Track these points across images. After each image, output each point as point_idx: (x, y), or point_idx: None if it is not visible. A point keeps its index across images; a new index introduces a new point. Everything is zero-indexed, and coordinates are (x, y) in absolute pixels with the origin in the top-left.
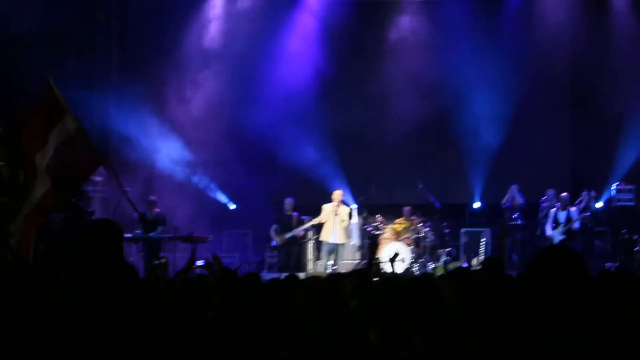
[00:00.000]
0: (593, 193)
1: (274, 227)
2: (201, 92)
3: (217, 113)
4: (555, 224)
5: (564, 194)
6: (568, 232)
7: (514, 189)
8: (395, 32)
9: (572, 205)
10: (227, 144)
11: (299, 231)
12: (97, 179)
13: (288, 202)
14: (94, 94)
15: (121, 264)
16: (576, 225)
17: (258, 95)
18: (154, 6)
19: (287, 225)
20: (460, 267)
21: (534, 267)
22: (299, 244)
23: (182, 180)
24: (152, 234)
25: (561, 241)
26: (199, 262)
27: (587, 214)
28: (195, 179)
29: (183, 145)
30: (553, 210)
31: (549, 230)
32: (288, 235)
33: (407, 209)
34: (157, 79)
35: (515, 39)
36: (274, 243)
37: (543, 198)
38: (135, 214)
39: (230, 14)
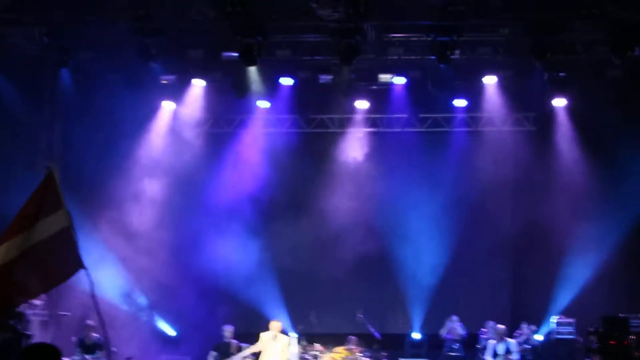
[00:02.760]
0: (533, 326)
1: (212, 354)
2: (144, 215)
3: (160, 239)
4: (494, 355)
5: (501, 326)
6: None
7: (454, 320)
8: (339, 162)
9: (511, 337)
10: (168, 270)
11: (238, 358)
12: (37, 302)
13: (227, 329)
14: None
15: None
16: (516, 357)
17: (198, 220)
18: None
19: (226, 352)
20: None
21: None
22: None
23: (122, 305)
24: (90, 358)
25: None
26: None
27: (527, 346)
28: (135, 305)
29: (122, 269)
30: (492, 342)
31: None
32: None
33: (353, 338)
34: (96, 198)
35: (460, 170)
36: None
37: (482, 330)
38: (74, 339)
39: (176, 130)
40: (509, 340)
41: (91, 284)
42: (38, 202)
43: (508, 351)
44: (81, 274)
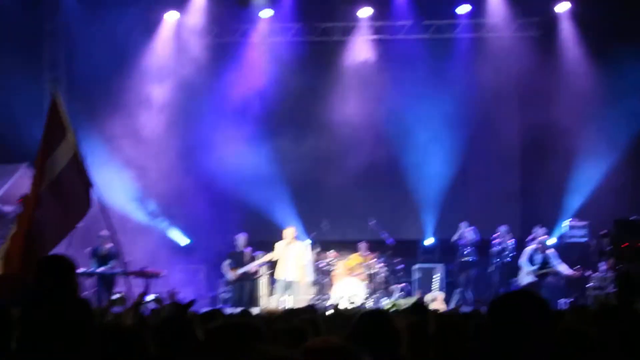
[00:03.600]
0: (544, 229)
1: (227, 262)
2: (152, 122)
3: (168, 146)
4: (530, 262)
5: (543, 237)
6: (540, 276)
7: (462, 226)
8: (344, 71)
9: (524, 241)
10: (179, 179)
11: (252, 267)
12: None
13: (241, 237)
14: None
15: (75, 299)
16: (553, 270)
17: (206, 128)
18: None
19: (240, 260)
20: (416, 303)
21: (496, 314)
22: (252, 279)
23: (134, 216)
24: (104, 269)
25: (530, 284)
26: (150, 297)
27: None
28: (147, 213)
29: (134, 178)
30: (531, 248)
31: (525, 267)
32: (241, 270)
33: (363, 244)
34: (105, 113)
35: (464, 78)
36: (227, 278)
37: (495, 234)
38: (88, 250)
39: (181, 40)
40: (548, 251)
41: (100, 198)
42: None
43: (545, 264)
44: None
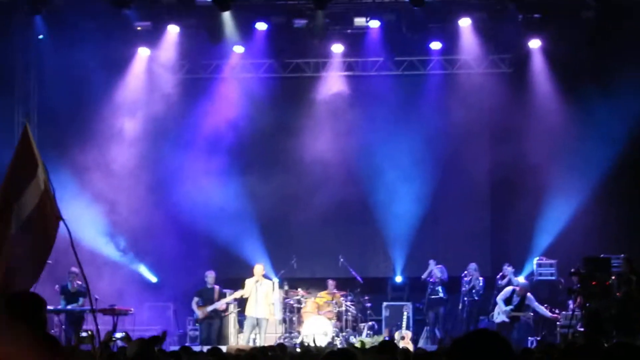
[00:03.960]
0: (511, 268)
1: (195, 299)
2: (122, 156)
3: (138, 180)
4: (507, 302)
5: (524, 282)
6: (512, 318)
7: (431, 264)
8: (316, 107)
9: (493, 279)
10: (148, 214)
11: (220, 304)
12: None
13: (209, 274)
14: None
15: (44, 335)
16: (530, 316)
17: (176, 165)
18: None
19: (208, 298)
20: (385, 341)
21: (460, 353)
22: (220, 317)
23: (103, 252)
24: (73, 306)
25: (502, 322)
26: (118, 334)
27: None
28: (117, 250)
29: (103, 213)
30: (510, 289)
31: (501, 306)
32: (209, 308)
33: (331, 282)
34: (76, 146)
35: (436, 114)
36: (195, 316)
37: (464, 272)
38: (57, 287)
39: (153, 75)
40: (529, 295)
41: (70, 233)
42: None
43: (520, 306)
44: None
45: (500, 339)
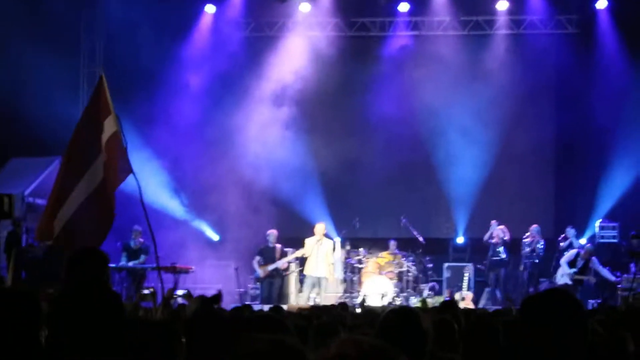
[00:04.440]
0: (573, 230)
1: (257, 258)
2: (187, 112)
3: (203, 137)
4: (571, 265)
5: (588, 245)
6: (576, 280)
7: (493, 225)
8: (380, 67)
9: (556, 241)
10: (211, 171)
11: (281, 263)
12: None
13: (271, 233)
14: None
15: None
16: (592, 281)
17: (242, 122)
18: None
19: (270, 257)
20: (445, 301)
21: (531, 311)
22: (282, 276)
23: (166, 208)
24: (135, 263)
25: (565, 285)
26: (179, 292)
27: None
28: (179, 206)
29: (167, 169)
30: (574, 252)
31: (564, 268)
32: (271, 267)
33: (393, 242)
34: (141, 100)
35: (501, 75)
36: (257, 275)
37: (525, 234)
38: (119, 243)
39: (219, 33)
40: (594, 258)
41: (140, 188)
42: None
43: (584, 269)
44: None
45: (572, 299)
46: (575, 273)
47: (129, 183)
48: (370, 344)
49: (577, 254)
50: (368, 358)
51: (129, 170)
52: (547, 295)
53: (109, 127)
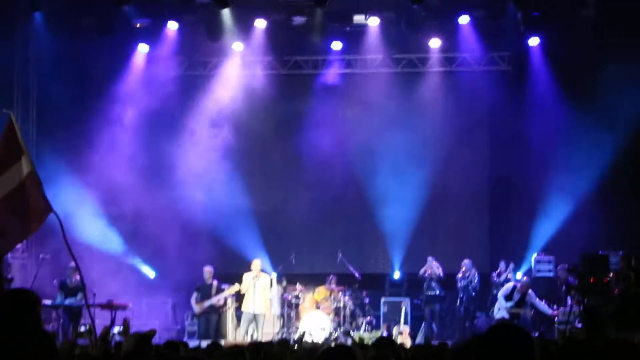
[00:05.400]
0: (512, 265)
1: (194, 295)
2: (121, 148)
3: (138, 184)
4: (507, 298)
5: (525, 278)
6: (513, 314)
7: (429, 260)
8: (314, 104)
9: (489, 276)
10: (147, 210)
11: (216, 300)
12: (17, 246)
13: (207, 270)
14: None
15: (38, 333)
16: (529, 315)
17: (175, 161)
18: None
19: (206, 293)
20: (382, 337)
21: (485, 344)
22: (218, 312)
23: (102, 246)
24: (71, 301)
25: (502, 319)
26: (117, 329)
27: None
28: (114, 243)
29: (100, 210)
30: (511, 285)
31: (502, 302)
32: (206, 303)
33: (332, 277)
34: (77, 141)
35: (434, 112)
36: (193, 311)
37: (461, 269)
38: (55, 282)
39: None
40: (531, 292)
41: (62, 225)
42: (4, 150)
43: (521, 303)
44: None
45: (528, 333)
46: (512, 307)
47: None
48: None
49: (514, 288)
50: None
51: (49, 208)
52: (500, 331)
53: (24, 166)
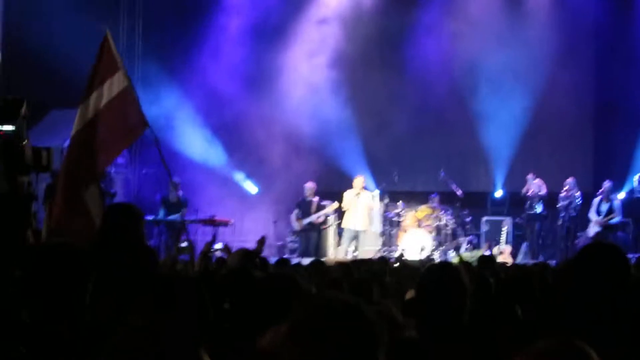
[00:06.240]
0: (610, 183)
1: (295, 211)
2: (225, 71)
3: (241, 95)
4: (597, 213)
5: (607, 183)
6: (605, 225)
7: (529, 179)
8: (419, 18)
9: (594, 195)
10: (248, 120)
11: (315, 217)
12: (119, 160)
13: (308, 187)
14: None
15: (141, 247)
16: (616, 219)
17: (279, 73)
18: None
19: (307, 210)
20: (484, 256)
21: (580, 264)
22: (318, 229)
23: (205, 161)
24: (174, 217)
25: (597, 233)
26: (217, 246)
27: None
28: (218, 161)
29: (206, 126)
30: (597, 199)
31: (593, 217)
32: (305, 221)
33: (434, 196)
34: (181, 55)
35: (540, 32)
36: (293, 228)
37: (563, 188)
38: (158, 196)
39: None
40: (615, 201)
41: (156, 140)
42: (98, 67)
43: (611, 211)
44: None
45: (622, 252)
46: (603, 217)
47: (164, 136)
48: (342, 301)
49: (600, 200)
50: (340, 316)
51: (144, 124)
52: (602, 248)
53: (118, 82)
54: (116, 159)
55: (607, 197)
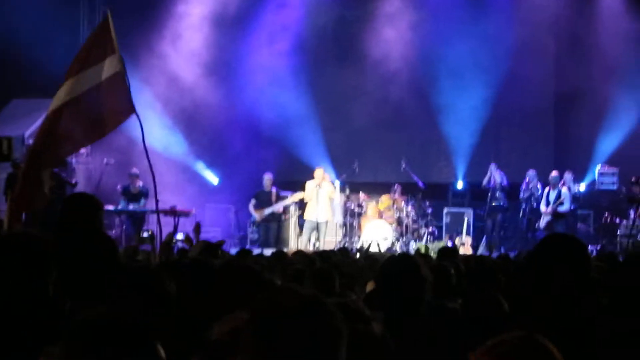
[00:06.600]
0: (571, 175)
1: (252, 202)
2: (185, 58)
3: (201, 83)
4: (547, 203)
5: (554, 173)
6: (555, 213)
7: (492, 168)
8: (380, 7)
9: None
10: (210, 115)
11: (277, 207)
12: (81, 150)
13: (267, 177)
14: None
15: (100, 237)
16: (565, 207)
17: (240, 68)
18: None
19: (265, 201)
20: (446, 247)
21: (540, 255)
22: (278, 220)
23: (165, 152)
24: (134, 207)
25: (547, 223)
26: (179, 236)
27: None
28: (178, 149)
29: (165, 113)
30: (545, 190)
31: (543, 208)
32: (267, 211)
33: (397, 186)
34: (141, 42)
35: (500, 23)
36: (253, 218)
37: (525, 179)
38: (119, 187)
39: None
40: (562, 188)
41: (142, 129)
42: (92, 46)
43: (559, 198)
44: (130, 119)
45: (582, 242)
46: (551, 206)
47: (126, 127)
48: (302, 294)
49: (548, 190)
50: (300, 310)
51: (131, 110)
52: (562, 239)
53: (111, 65)
54: (96, 141)
55: (554, 186)
